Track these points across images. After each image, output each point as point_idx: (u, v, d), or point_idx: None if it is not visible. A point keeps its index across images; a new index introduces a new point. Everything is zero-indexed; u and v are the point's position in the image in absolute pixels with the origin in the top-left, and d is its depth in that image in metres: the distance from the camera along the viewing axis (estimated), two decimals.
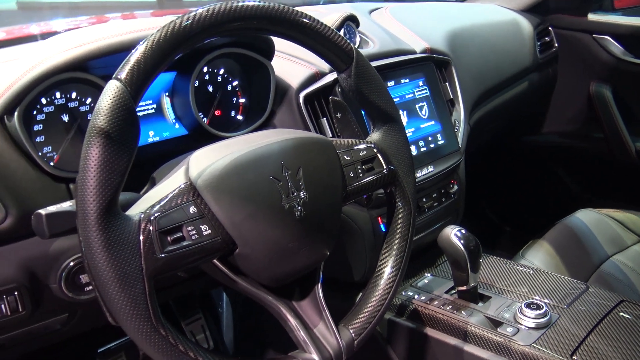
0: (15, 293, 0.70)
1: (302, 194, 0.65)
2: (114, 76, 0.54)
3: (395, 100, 1.06)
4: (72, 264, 0.74)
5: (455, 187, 1.17)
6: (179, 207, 0.58)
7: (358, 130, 0.90)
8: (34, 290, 0.72)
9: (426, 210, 1.11)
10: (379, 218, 1.02)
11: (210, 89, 0.94)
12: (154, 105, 0.89)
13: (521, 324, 0.90)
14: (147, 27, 0.76)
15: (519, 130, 1.84)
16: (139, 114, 0.86)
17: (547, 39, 1.66)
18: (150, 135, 0.88)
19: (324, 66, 0.99)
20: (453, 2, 1.76)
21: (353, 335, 0.70)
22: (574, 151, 1.79)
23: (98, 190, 0.51)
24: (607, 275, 1.27)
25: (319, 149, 0.69)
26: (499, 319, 0.92)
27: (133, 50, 0.55)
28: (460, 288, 0.99)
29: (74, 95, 0.79)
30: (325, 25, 0.69)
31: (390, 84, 1.07)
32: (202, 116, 0.90)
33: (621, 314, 0.92)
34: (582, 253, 1.31)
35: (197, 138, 0.91)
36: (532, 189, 1.92)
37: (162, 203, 0.58)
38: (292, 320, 0.67)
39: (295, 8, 0.66)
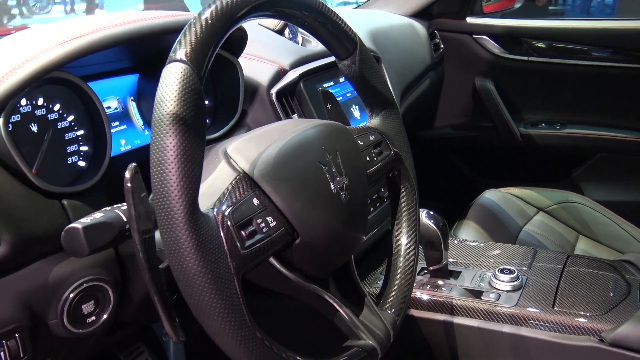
0: (17, 335, 0.59)
1: (344, 178, 0.64)
2: (170, 59, 0.49)
3: (347, 95, 1.10)
4: (72, 295, 0.64)
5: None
6: (245, 198, 0.54)
7: (347, 120, 0.91)
8: (34, 330, 0.61)
9: (385, 200, 1.14)
10: None
11: None
12: (121, 111, 0.81)
13: (500, 289, 0.98)
14: (136, 18, 0.69)
15: (415, 126, 1.98)
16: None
17: (436, 40, 1.82)
18: (122, 144, 0.80)
19: (284, 63, 0.98)
20: (347, 9, 1.84)
21: (394, 316, 0.71)
22: (467, 140, 1.97)
23: (184, 184, 0.46)
24: (527, 243, 1.42)
25: (344, 134, 0.69)
26: (478, 288, 0.99)
27: (186, 29, 0.50)
28: (433, 267, 1.03)
29: (40, 101, 0.69)
30: (334, 11, 0.69)
31: (341, 79, 1.10)
32: None
33: (574, 265, 1.04)
34: (501, 228, 1.45)
35: None
36: (433, 179, 2.07)
37: (226, 197, 0.53)
38: (341, 311, 0.66)
39: None
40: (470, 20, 1.83)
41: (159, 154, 0.46)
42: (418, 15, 1.82)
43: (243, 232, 0.52)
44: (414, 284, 1.02)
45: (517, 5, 2.02)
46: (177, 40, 0.50)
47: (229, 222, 0.51)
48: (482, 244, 1.17)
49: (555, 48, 1.76)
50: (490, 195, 1.58)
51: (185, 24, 0.64)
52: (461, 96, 1.89)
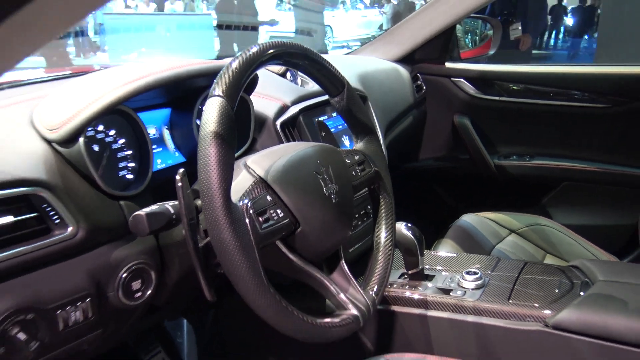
0: (87, 300, 0.77)
1: (334, 185, 0.84)
2: (211, 94, 0.70)
3: (339, 127, 1.31)
4: (124, 275, 0.83)
5: None
6: (261, 196, 0.74)
7: (337, 144, 1.12)
8: (98, 298, 0.80)
9: (371, 216, 1.34)
10: None
11: (198, 122, 1.09)
12: (158, 137, 1.01)
13: (466, 288, 1.17)
14: (177, 65, 0.91)
15: (401, 159, 2.20)
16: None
17: (418, 82, 2.05)
18: (158, 163, 1.00)
19: (287, 100, 1.20)
20: (338, 55, 2.09)
21: (374, 295, 0.90)
22: (447, 171, 2.18)
23: (221, 180, 0.66)
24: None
25: (335, 152, 0.90)
26: (448, 287, 1.18)
27: (221, 73, 0.71)
28: (411, 271, 1.22)
29: (100, 127, 0.89)
30: (327, 60, 0.91)
31: (334, 114, 1.31)
32: None
33: (529, 270, 1.23)
34: (476, 245, 1.64)
35: (194, 164, 1.05)
36: (417, 205, 2.28)
37: (248, 194, 0.73)
38: (331, 287, 0.85)
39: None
40: (448, 65, 2.07)
41: (204, 159, 0.67)
42: (402, 60, 2.06)
43: (260, 218, 0.72)
44: (395, 286, 1.21)
45: (491, 52, 2.27)
46: (215, 81, 0.71)
47: (251, 211, 0.71)
48: (455, 255, 1.37)
49: (523, 89, 2.00)
50: (468, 219, 1.77)
51: (214, 70, 0.87)
52: (442, 132, 2.12)
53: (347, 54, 2.14)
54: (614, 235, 1.91)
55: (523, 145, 2.04)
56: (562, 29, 13.28)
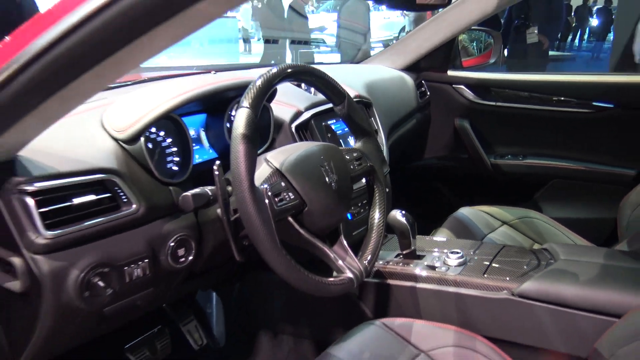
0: (146, 260, 1.02)
1: (334, 176, 1.08)
2: (240, 105, 0.94)
3: (345, 130, 1.55)
4: (172, 244, 1.07)
5: (387, 190, 1.66)
6: (277, 182, 0.98)
7: (340, 144, 1.35)
8: (153, 260, 1.04)
9: (367, 207, 1.57)
10: None
11: (228, 125, 1.34)
12: (196, 137, 1.26)
13: (449, 265, 1.39)
14: (214, 80, 1.15)
15: (406, 158, 2.42)
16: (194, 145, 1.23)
17: (422, 89, 2.27)
18: (196, 158, 1.25)
19: (301, 106, 1.44)
20: (351, 64, 2.32)
21: (367, 264, 1.13)
22: (448, 169, 2.40)
23: (247, 169, 0.90)
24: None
25: (336, 150, 1.13)
26: (435, 265, 1.40)
27: (249, 88, 0.95)
28: (405, 251, 1.45)
29: (153, 130, 1.14)
30: (330, 76, 1.14)
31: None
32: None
33: (505, 252, 1.45)
34: (469, 234, 1.86)
35: (224, 158, 1.29)
36: (420, 199, 2.50)
37: (267, 180, 0.97)
38: (332, 255, 1.08)
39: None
40: (450, 73, 2.29)
41: (234, 154, 0.90)
42: (408, 68, 2.28)
43: (276, 199, 0.96)
44: (391, 263, 1.43)
45: (492, 61, 2.47)
46: (243, 95, 0.95)
47: (269, 193, 0.95)
48: (445, 239, 1.59)
49: (517, 95, 2.20)
50: (464, 211, 1.99)
51: (243, 85, 1.11)
52: (444, 134, 2.33)
53: (360, 62, 2.37)
54: (598, 228, 2.10)
55: (517, 146, 2.24)
56: (587, 30, 13.20)
